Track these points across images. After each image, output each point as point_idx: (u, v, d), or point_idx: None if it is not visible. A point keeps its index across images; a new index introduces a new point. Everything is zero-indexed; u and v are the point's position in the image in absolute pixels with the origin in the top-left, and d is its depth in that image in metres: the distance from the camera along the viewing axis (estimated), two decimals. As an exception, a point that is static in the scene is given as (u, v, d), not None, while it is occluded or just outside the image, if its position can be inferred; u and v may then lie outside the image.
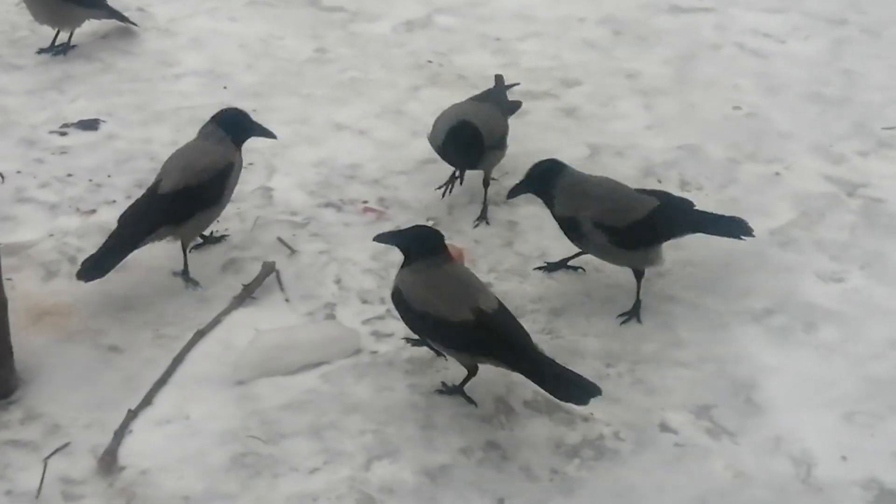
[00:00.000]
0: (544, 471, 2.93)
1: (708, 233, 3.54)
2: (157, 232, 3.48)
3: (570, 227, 3.43)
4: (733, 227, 3.55)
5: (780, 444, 3.01)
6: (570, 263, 3.60)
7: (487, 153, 3.81)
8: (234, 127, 3.62)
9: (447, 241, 3.65)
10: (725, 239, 3.63)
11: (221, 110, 3.71)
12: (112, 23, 5.17)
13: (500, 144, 3.93)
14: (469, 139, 3.72)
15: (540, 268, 3.60)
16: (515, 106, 4.22)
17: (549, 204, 3.45)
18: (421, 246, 3.13)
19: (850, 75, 4.88)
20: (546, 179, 3.43)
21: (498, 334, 3.00)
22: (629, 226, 3.37)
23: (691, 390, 3.18)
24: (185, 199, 3.47)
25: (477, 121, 3.78)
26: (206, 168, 3.52)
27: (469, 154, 3.75)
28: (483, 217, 3.89)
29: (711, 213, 3.60)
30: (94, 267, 3.41)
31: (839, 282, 3.62)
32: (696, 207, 3.55)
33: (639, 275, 3.46)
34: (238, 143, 3.64)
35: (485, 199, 3.93)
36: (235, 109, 3.72)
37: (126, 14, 5.13)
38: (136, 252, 3.50)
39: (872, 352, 3.33)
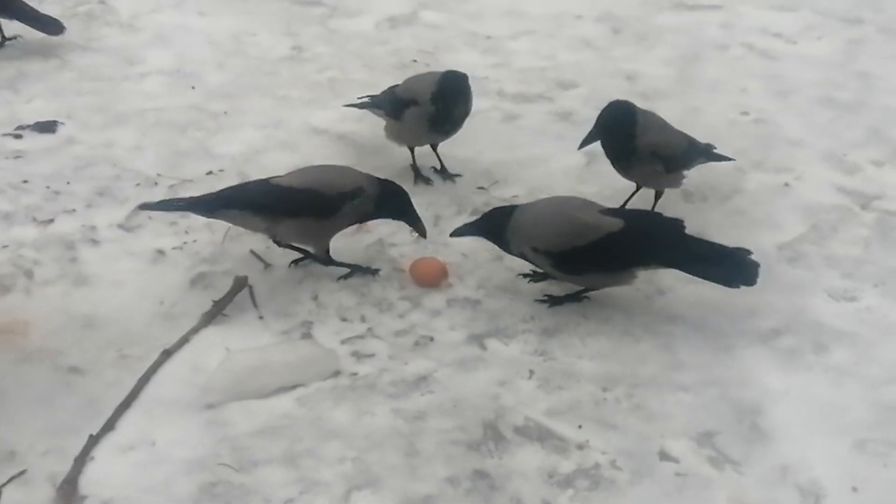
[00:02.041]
0: (536, 502, 2.96)
1: (693, 275, 3.50)
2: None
3: (526, 260, 3.57)
4: (730, 272, 3.46)
5: (787, 474, 3.05)
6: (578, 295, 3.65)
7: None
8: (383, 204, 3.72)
9: (432, 256, 3.74)
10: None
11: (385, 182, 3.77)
12: (68, 14, 5.21)
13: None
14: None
15: (542, 301, 3.64)
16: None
17: (504, 247, 3.59)
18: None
19: (866, 78, 4.97)
20: (497, 224, 3.56)
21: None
22: (569, 251, 3.46)
23: (693, 416, 3.23)
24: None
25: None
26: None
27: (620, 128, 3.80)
28: None
29: (706, 245, 3.53)
30: None
31: (852, 300, 3.68)
32: (685, 231, 3.52)
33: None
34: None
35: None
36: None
37: (81, 9, 5.17)
38: (96, 265, 3.60)
39: (886, 376, 3.38)
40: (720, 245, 3.52)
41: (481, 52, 5.14)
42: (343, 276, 3.69)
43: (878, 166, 4.36)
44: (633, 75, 4.96)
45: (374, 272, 3.71)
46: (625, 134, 3.79)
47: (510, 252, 3.59)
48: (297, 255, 3.74)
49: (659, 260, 3.49)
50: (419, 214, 3.72)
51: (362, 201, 3.62)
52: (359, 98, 4.38)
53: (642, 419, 3.22)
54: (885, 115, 4.68)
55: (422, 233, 3.72)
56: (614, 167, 3.92)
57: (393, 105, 4.18)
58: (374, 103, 4.32)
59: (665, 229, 3.53)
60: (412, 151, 4.26)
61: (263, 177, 3.74)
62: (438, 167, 4.26)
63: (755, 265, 3.46)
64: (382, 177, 4.04)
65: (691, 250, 3.48)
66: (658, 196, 4.00)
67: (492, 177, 4.13)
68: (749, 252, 3.48)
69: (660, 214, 3.65)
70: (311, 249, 3.70)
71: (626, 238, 3.45)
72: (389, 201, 3.67)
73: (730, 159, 4.10)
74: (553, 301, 3.61)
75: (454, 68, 4.20)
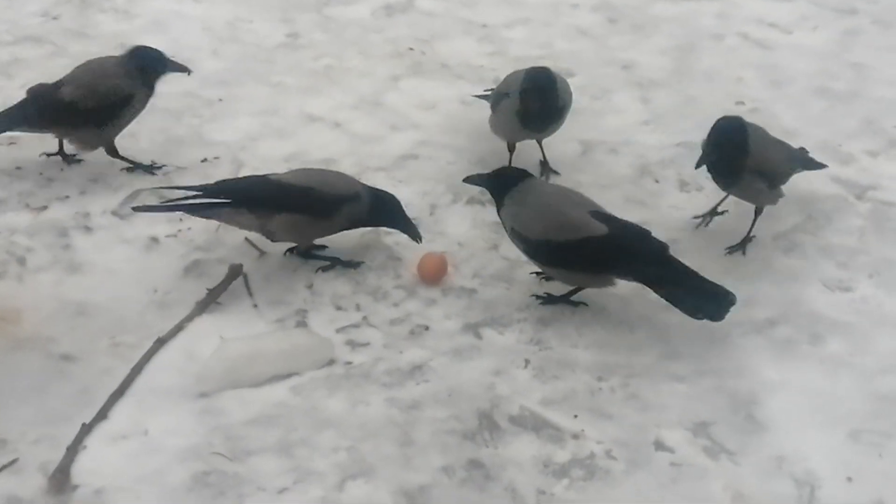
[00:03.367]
0: (531, 491, 2.95)
1: (663, 297, 3.41)
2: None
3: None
4: (700, 305, 3.37)
5: (783, 464, 3.04)
6: (572, 298, 3.58)
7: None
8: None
9: (435, 253, 3.70)
10: (723, 244, 3.71)
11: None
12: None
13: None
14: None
15: (537, 297, 3.59)
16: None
17: (497, 210, 3.57)
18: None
19: (861, 69, 4.94)
20: (504, 185, 3.55)
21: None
22: (543, 242, 3.43)
23: (688, 406, 3.21)
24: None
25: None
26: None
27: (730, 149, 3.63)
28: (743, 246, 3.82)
29: (686, 273, 3.41)
30: None
31: (847, 291, 3.66)
32: (669, 255, 3.44)
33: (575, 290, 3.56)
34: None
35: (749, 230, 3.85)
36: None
37: None
38: (90, 252, 3.58)
39: (881, 366, 3.37)
40: (700, 278, 3.41)
41: (477, 41, 5.11)
42: (322, 268, 3.66)
43: (872, 157, 4.34)
44: (629, 64, 4.94)
45: (356, 265, 3.68)
46: (735, 154, 3.62)
47: (500, 217, 3.57)
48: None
49: (633, 275, 3.43)
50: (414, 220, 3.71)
51: (358, 207, 3.60)
52: (484, 90, 4.36)
53: (637, 409, 3.20)
54: (879, 105, 4.66)
55: (416, 239, 3.68)
56: (714, 181, 3.77)
57: (494, 97, 4.16)
58: (490, 95, 4.25)
59: (647, 249, 3.44)
60: (510, 151, 4.18)
61: (257, 165, 3.70)
62: (542, 159, 4.19)
63: (729, 303, 3.37)
64: (376, 166, 4.03)
65: (668, 274, 3.40)
66: (758, 212, 3.82)
67: (487, 164, 4.08)
68: (729, 293, 3.39)
69: (648, 233, 3.51)
70: (296, 243, 3.68)
71: (602, 246, 3.39)
72: (382, 209, 3.67)
73: (823, 166, 4.04)
74: (546, 300, 3.56)
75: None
